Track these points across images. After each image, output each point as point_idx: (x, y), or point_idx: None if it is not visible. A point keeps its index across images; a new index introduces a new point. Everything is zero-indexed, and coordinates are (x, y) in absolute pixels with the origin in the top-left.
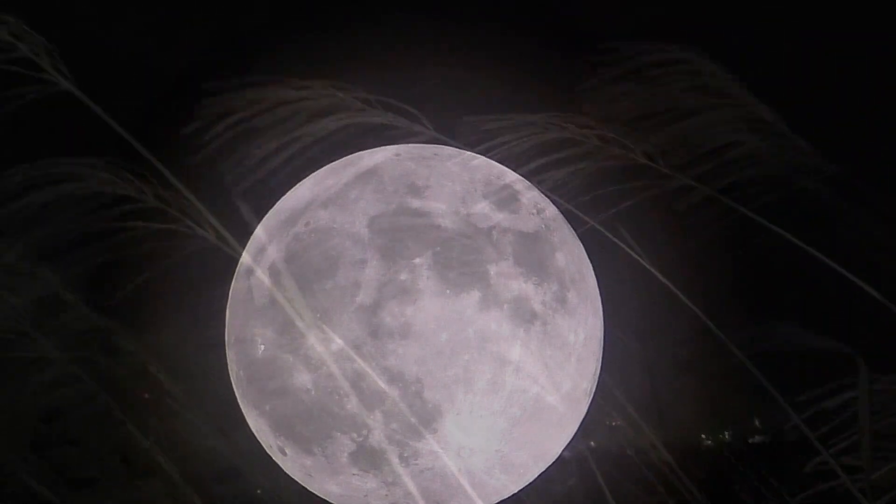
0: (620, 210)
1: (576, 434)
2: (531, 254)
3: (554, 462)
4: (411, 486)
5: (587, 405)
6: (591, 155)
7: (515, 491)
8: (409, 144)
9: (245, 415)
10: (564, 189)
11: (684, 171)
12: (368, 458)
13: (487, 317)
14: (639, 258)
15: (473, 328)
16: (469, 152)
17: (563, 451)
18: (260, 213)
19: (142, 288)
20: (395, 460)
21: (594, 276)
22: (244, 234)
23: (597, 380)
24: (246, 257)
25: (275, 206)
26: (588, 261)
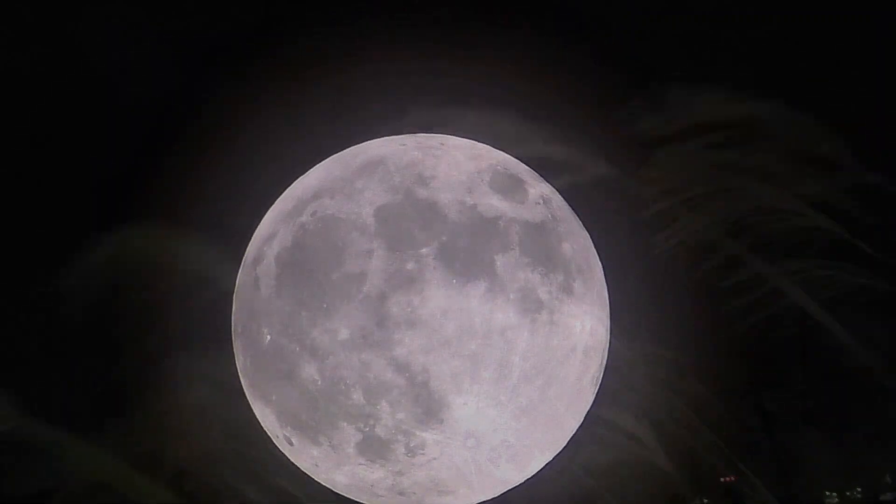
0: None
1: (581, 425)
2: (538, 244)
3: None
4: (417, 476)
5: (593, 395)
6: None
7: (521, 480)
8: (416, 135)
9: (251, 405)
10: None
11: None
12: (375, 448)
13: (494, 306)
14: None
15: (480, 318)
16: (476, 142)
17: None
18: (266, 204)
19: None
20: (401, 450)
21: (601, 265)
22: (250, 224)
23: (603, 369)
24: (252, 247)
25: (281, 196)
26: (595, 251)
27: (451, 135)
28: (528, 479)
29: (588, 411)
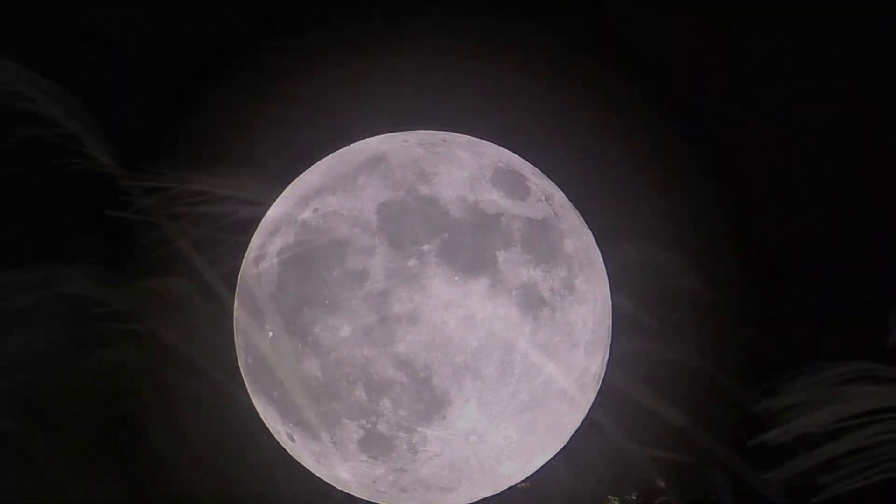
0: None
1: (583, 421)
2: (540, 240)
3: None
4: (420, 473)
5: (595, 391)
6: None
7: (524, 477)
8: (419, 131)
9: (253, 401)
10: None
11: None
12: (377, 444)
13: (496, 303)
14: None
15: (482, 315)
16: (478, 139)
17: None
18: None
19: None
20: (403, 447)
21: (603, 262)
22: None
23: (605, 366)
24: (255, 244)
25: (283, 192)
26: (597, 247)
27: (453, 132)
28: (530, 476)
29: (590, 408)
